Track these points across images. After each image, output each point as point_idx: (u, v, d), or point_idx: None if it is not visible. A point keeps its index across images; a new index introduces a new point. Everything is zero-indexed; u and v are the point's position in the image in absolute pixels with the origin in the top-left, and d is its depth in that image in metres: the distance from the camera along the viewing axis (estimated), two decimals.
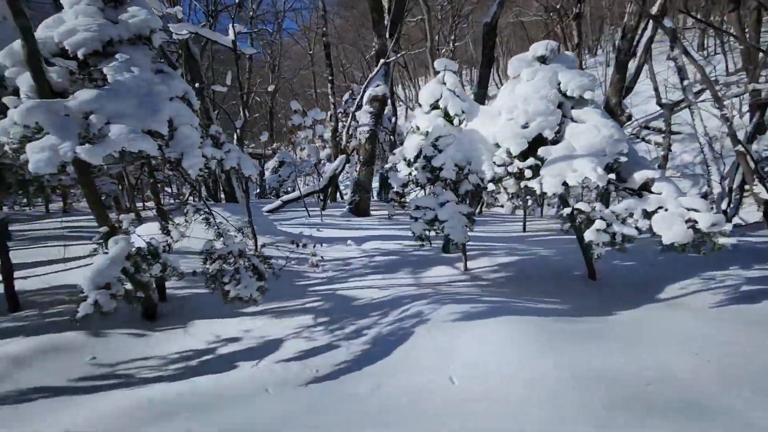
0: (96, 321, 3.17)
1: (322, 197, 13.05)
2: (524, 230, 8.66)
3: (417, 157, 5.01)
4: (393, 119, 14.82)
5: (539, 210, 11.15)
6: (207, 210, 3.62)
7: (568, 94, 4.03)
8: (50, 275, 5.48)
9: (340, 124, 13.69)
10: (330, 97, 15.77)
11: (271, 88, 12.19)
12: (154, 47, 3.90)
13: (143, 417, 2.39)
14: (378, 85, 10.85)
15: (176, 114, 3.48)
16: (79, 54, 3.33)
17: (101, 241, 2.84)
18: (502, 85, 10.65)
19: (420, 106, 5.17)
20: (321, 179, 13.14)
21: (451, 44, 17.27)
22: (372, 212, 11.07)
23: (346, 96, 15.07)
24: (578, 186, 3.54)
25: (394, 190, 5.39)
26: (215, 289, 3.29)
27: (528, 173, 3.84)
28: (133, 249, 2.76)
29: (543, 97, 3.95)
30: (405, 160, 5.22)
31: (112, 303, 2.51)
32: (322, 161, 13.77)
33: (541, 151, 3.83)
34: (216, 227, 3.49)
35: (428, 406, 2.31)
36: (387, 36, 10.77)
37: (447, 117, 4.82)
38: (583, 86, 4.00)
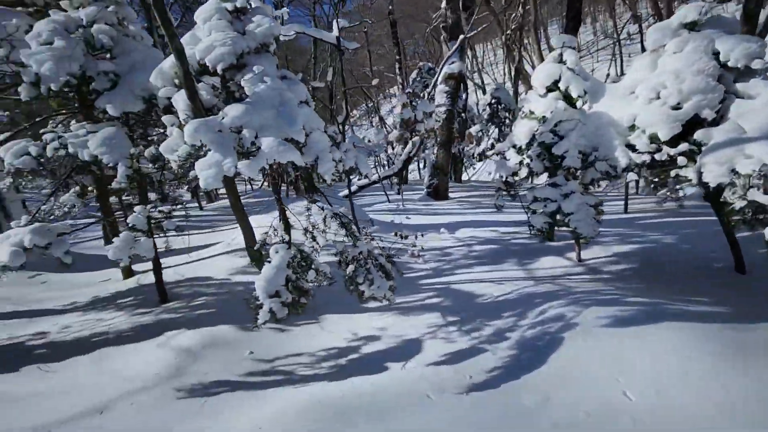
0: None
1: (397, 181, 13.09)
2: (626, 211, 7.96)
3: (529, 143, 4.70)
4: (464, 96, 14.18)
5: (635, 188, 10.17)
6: (337, 212, 3.71)
7: (730, 64, 3.46)
8: (181, 267, 6.10)
9: (410, 105, 13.41)
10: (398, 77, 15.46)
11: (375, 82, 12.33)
12: (274, 53, 3.99)
13: (321, 418, 2.56)
14: (453, 63, 10.37)
15: (307, 120, 3.55)
16: (219, 69, 3.49)
17: (259, 250, 3.05)
18: (540, 60, 9.55)
19: (531, 88, 4.80)
20: (393, 163, 13.14)
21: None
22: (450, 195, 10.87)
23: (413, 74, 14.65)
24: (753, 174, 3.06)
25: (504, 179, 5.10)
26: (353, 290, 3.40)
27: (681, 160, 3.41)
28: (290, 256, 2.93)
29: (699, 72, 3.44)
30: (515, 147, 4.93)
31: (283, 310, 2.68)
32: (393, 144, 13.64)
33: (698, 134, 3.37)
34: (349, 228, 3.58)
35: (614, 428, 2.20)
36: (461, 9, 10.16)
37: (568, 99, 4.43)
38: (750, 54, 3.41)
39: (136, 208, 3.35)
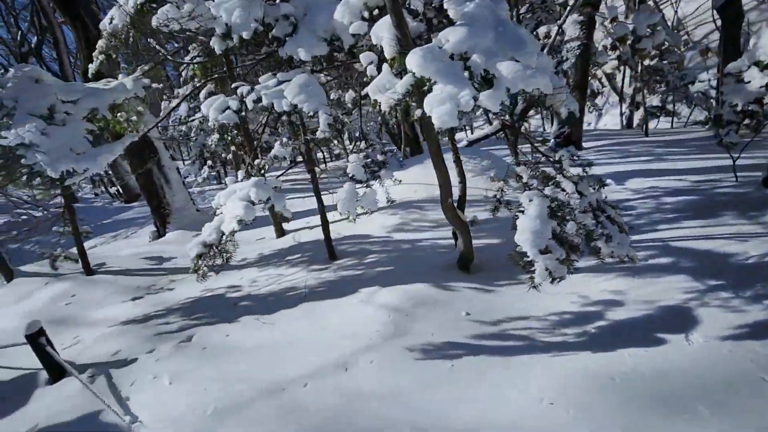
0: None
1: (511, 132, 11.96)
2: None
3: None
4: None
5: None
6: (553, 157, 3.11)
7: None
8: (336, 224, 6.08)
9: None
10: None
11: None
12: None
13: (634, 402, 2.12)
14: None
15: (532, 41, 2.93)
16: None
17: None
18: None
19: None
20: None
21: None
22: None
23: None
24: None
25: (738, 108, 4.01)
26: (592, 249, 2.84)
27: None
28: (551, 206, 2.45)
29: None
30: (758, 65, 3.78)
31: (562, 268, 2.25)
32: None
33: None
34: (568, 175, 2.97)
35: None
36: None
37: None
38: None
39: (351, 158, 3.13)
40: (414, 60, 2.55)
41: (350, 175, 2.96)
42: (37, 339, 3.26)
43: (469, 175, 5.58)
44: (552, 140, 10.00)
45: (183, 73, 9.37)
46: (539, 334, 2.82)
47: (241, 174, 3.29)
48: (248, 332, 3.41)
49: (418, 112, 2.71)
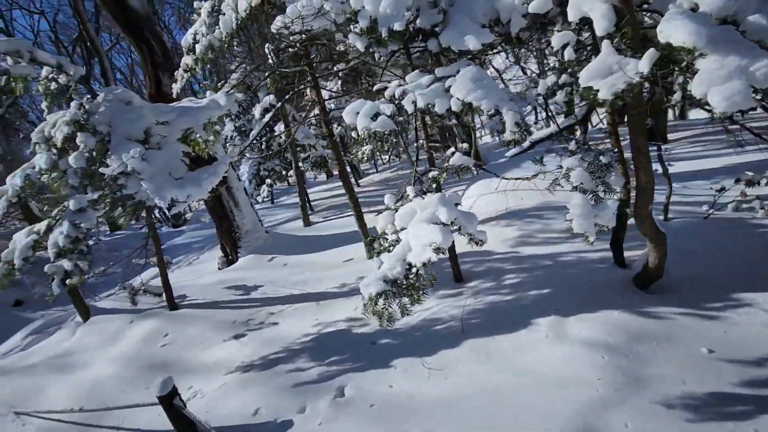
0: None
1: (581, 131, 11.22)
2: None
3: None
4: None
5: None
6: None
7: None
8: None
9: None
10: None
11: None
12: None
13: None
14: None
15: None
16: None
17: None
18: None
19: None
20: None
21: None
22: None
23: None
24: None
25: None
26: None
27: None
28: None
29: None
30: None
31: None
32: None
33: None
34: None
35: None
36: None
37: None
38: None
39: (568, 162, 2.54)
40: (679, 28, 1.95)
41: (577, 184, 2.36)
42: (171, 400, 2.74)
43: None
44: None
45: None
46: None
47: (411, 190, 2.73)
48: (415, 381, 2.81)
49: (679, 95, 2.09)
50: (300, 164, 8.85)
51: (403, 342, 3.30)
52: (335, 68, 5.60)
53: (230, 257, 7.40)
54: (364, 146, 2.77)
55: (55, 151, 4.01)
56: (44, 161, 3.81)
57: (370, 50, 2.94)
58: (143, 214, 5.65)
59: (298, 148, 9.25)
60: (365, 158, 2.45)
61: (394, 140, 2.94)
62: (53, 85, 3.89)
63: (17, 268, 3.66)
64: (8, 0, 13.90)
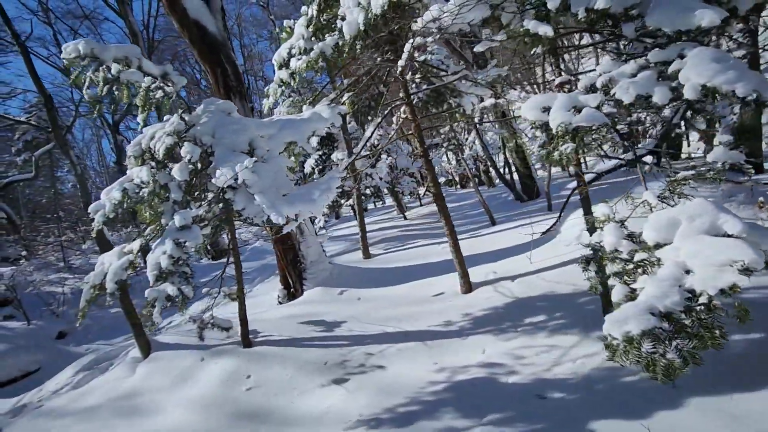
0: None
1: (654, 160, 10.62)
2: None
3: None
4: None
5: None
6: None
7: None
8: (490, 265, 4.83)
9: None
10: None
11: None
12: None
13: None
14: None
15: None
16: None
17: None
18: None
19: None
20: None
21: None
22: None
23: None
24: None
25: None
26: None
27: None
28: None
29: None
30: None
31: None
32: None
33: None
34: None
35: None
36: None
37: None
38: None
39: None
40: None
41: None
42: None
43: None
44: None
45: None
46: None
47: (651, 196, 2.17)
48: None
49: None
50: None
51: (586, 397, 2.59)
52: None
53: (293, 290, 6.84)
54: (561, 146, 2.23)
55: (153, 164, 3.67)
56: (146, 174, 3.44)
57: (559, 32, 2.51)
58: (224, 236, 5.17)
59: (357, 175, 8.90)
60: (565, 160, 1.99)
61: (604, 135, 2.41)
62: (159, 94, 3.61)
63: (109, 293, 3.18)
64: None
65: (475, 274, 5.33)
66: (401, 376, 3.48)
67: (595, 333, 3.26)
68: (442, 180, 19.37)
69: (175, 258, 3.07)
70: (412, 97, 5.08)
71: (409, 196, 13.91)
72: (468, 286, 5.04)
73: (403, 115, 4.89)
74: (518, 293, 4.46)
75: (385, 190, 11.81)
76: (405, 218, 12.65)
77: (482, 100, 6.03)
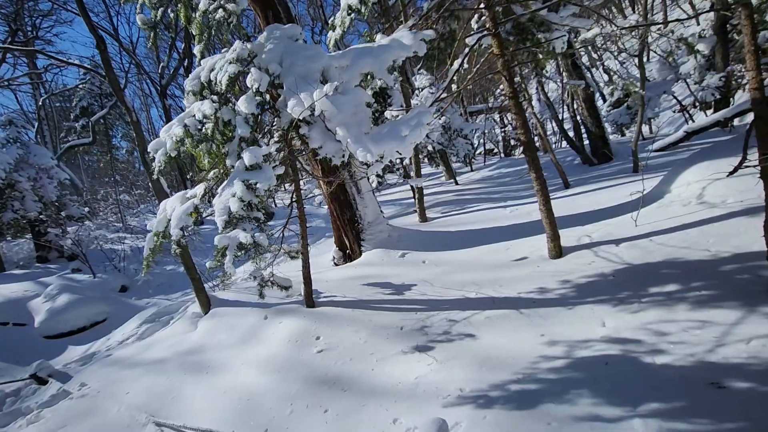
0: None
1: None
2: None
3: None
4: None
5: None
6: None
7: None
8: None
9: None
10: None
11: None
12: None
13: None
14: None
15: None
16: None
17: None
18: None
19: None
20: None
21: None
22: None
23: None
24: None
25: None
26: None
27: None
28: None
29: None
30: None
31: None
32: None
33: None
34: None
35: None
36: None
37: None
38: None
39: None
40: None
41: None
42: None
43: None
44: None
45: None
46: None
47: None
48: None
49: None
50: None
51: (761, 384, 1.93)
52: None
53: (349, 251, 6.44)
54: None
55: (215, 98, 3.21)
56: (208, 107, 2.98)
57: None
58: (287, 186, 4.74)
59: None
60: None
61: None
62: (219, 14, 3.09)
63: (174, 240, 2.83)
64: None
65: (564, 237, 4.62)
66: (500, 347, 2.96)
67: (765, 308, 2.53)
68: (487, 148, 18.15)
69: (246, 201, 2.63)
70: (499, 27, 4.27)
71: (463, 161, 13.05)
72: (558, 251, 4.37)
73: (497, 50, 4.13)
74: (629, 259, 3.75)
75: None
76: (456, 183, 11.91)
77: (577, 35, 5.07)
